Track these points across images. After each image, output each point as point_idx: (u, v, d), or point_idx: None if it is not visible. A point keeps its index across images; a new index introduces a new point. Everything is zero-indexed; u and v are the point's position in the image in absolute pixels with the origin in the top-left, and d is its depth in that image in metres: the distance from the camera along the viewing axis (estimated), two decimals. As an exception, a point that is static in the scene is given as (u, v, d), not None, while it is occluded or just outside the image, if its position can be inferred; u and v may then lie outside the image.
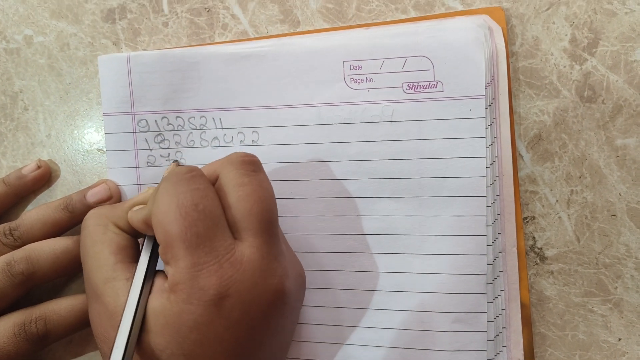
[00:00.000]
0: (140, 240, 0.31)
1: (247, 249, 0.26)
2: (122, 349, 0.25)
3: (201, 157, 0.35)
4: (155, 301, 0.26)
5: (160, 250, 0.26)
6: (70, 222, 0.35)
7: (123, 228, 0.30)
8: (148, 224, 0.28)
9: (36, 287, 0.34)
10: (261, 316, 0.27)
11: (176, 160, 0.35)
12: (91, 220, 0.31)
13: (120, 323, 0.26)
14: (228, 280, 0.25)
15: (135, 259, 0.29)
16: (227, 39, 0.36)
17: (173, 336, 0.26)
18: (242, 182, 0.27)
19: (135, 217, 0.29)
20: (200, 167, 0.29)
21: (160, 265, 0.28)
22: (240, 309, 0.26)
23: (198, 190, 0.26)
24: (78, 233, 0.35)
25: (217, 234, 0.26)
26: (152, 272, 0.28)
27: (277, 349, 0.30)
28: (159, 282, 0.27)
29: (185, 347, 0.26)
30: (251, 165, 0.29)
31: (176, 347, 0.26)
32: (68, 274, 0.35)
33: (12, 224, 0.35)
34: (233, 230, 0.27)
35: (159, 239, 0.26)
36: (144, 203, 0.31)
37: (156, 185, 0.32)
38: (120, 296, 0.27)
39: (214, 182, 0.29)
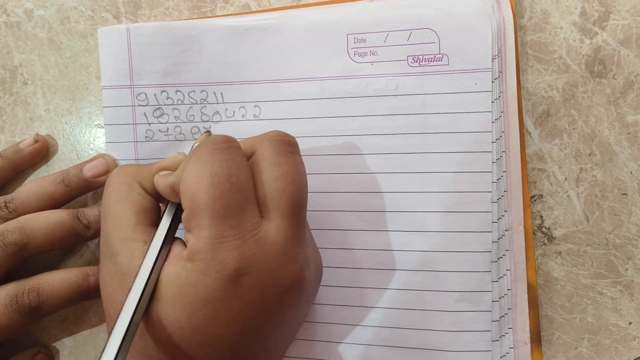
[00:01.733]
0: (162, 204, 0.30)
1: (272, 229, 0.25)
2: (130, 314, 0.24)
3: (202, 132, 0.34)
4: (171, 268, 0.25)
5: (184, 216, 0.25)
6: (66, 195, 0.34)
7: (147, 190, 0.29)
8: (175, 189, 0.27)
9: (29, 259, 0.33)
10: (276, 301, 0.26)
11: (208, 131, 0.34)
12: (117, 177, 0.29)
13: (131, 286, 0.25)
14: (249, 258, 0.24)
15: (155, 223, 0.28)
16: (229, 12, 0.35)
17: (184, 307, 0.25)
18: (278, 161, 0.26)
19: (162, 181, 0.28)
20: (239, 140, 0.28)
21: (179, 234, 0.28)
22: (257, 290, 0.25)
23: (234, 162, 0.25)
24: (73, 207, 0.35)
25: (246, 209, 0.25)
26: (170, 239, 0.27)
27: (282, 341, 0.29)
28: (176, 249, 0.26)
29: (195, 321, 0.25)
30: (289, 146, 0.28)
31: (185, 319, 0.25)
32: (61, 247, 0.34)
33: (8, 196, 0.34)
34: (261, 209, 0.26)
35: (185, 205, 0.25)
36: (171, 168, 0.30)
37: (182, 152, 0.32)
38: (136, 258, 0.26)
39: (248, 158, 0.28)
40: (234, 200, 0.25)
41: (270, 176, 0.26)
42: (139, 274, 0.25)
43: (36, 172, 0.37)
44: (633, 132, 0.31)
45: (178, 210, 0.28)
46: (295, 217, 0.26)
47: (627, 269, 0.32)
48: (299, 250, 0.26)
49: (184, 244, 0.27)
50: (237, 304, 0.25)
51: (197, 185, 0.25)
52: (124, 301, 0.24)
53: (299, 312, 0.28)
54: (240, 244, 0.24)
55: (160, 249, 0.26)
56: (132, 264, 0.26)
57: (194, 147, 0.31)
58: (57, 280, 0.33)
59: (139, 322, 0.25)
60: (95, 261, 0.36)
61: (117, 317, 0.24)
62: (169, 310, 0.25)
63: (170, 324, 0.25)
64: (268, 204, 0.26)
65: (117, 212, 0.28)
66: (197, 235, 0.25)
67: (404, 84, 0.32)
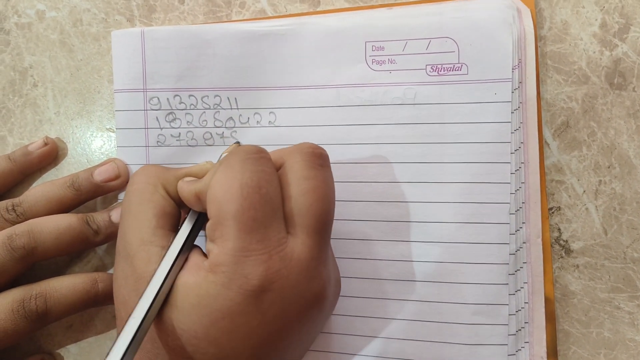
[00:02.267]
0: (183, 211, 0.29)
1: (298, 245, 0.25)
2: (140, 319, 0.23)
3: (214, 138, 0.34)
4: (189, 277, 0.25)
5: (208, 225, 0.25)
6: (75, 200, 0.34)
7: (171, 194, 0.29)
8: (200, 198, 0.26)
9: (37, 264, 0.33)
10: (297, 318, 0.25)
11: (238, 142, 0.33)
12: (141, 177, 0.29)
13: (144, 290, 0.24)
14: (274, 274, 0.24)
15: (175, 229, 0.28)
16: (245, 17, 0.35)
17: (201, 318, 0.24)
18: (308, 175, 0.26)
19: (187, 188, 0.28)
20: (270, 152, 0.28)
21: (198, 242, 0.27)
22: (278, 307, 0.24)
23: (264, 173, 0.25)
24: (82, 212, 0.34)
25: (273, 223, 0.24)
26: (189, 247, 0.26)
27: (297, 355, 0.28)
28: (195, 258, 0.26)
29: (212, 333, 0.24)
30: (320, 159, 0.27)
31: (201, 330, 0.24)
32: (70, 252, 0.33)
33: (16, 200, 0.33)
34: (288, 224, 0.25)
35: (210, 214, 0.25)
36: (197, 176, 0.29)
37: (210, 161, 0.31)
38: (152, 262, 0.25)
39: (277, 169, 0.27)
40: (263, 213, 0.24)
41: (299, 190, 0.25)
42: (153, 278, 0.24)
43: (45, 176, 0.37)
44: (653, 146, 0.31)
45: (199, 219, 0.27)
46: (320, 234, 0.25)
47: (645, 284, 0.31)
48: (322, 268, 0.26)
49: (203, 253, 0.26)
50: (257, 319, 0.24)
51: (225, 195, 0.24)
52: (135, 305, 0.24)
53: (317, 327, 0.28)
54: (266, 259, 0.24)
55: (178, 255, 0.25)
56: (148, 267, 0.25)
57: (222, 156, 0.30)
58: (64, 287, 0.32)
59: (149, 328, 0.24)
60: (102, 267, 0.36)
61: (127, 320, 0.23)
62: (185, 319, 0.24)
63: (185, 333, 0.24)
64: (295, 219, 0.25)
65: (138, 213, 0.27)
66: (221, 246, 0.24)
67: (422, 93, 0.32)
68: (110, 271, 0.36)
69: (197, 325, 0.24)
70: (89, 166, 0.35)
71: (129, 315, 0.24)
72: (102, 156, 0.36)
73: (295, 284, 0.24)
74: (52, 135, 0.37)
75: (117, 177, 0.34)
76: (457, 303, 0.31)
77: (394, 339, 0.32)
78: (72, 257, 0.36)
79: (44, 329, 0.36)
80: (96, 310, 0.36)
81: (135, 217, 0.27)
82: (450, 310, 0.31)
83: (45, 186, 0.34)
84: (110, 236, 0.34)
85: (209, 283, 0.24)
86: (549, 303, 0.31)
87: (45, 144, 0.36)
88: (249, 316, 0.24)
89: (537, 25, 0.32)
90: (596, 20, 0.32)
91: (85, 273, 0.34)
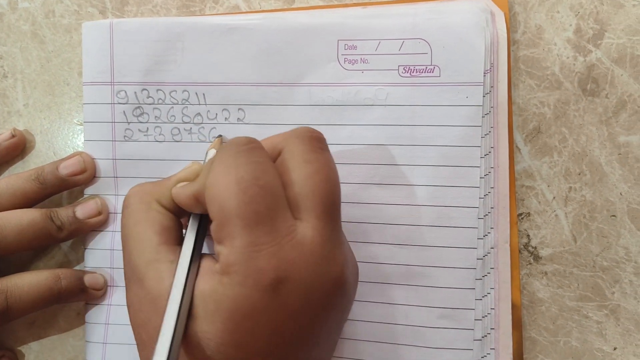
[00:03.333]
0: (183, 220, 0.29)
1: (309, 230, 0.24)
2: (170, 337, 0.22)
3: (182, 133, 0.33)
4: (204, 284, 0.24)
5: (213, 227, 0.24)
6: (40, 193, 0.33)
7: (166, 206, 0.28)
8: (198, 199, 0.26)
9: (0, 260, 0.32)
10: (321, 307, 0.24)
11: (221, 136, 0.32)
12: (133, 198, 0.28)
13: (166, 308, 0.23)
14: (288, 264, 0.23)
15: (179, 241, 0.27)
16: (218, 12, 0.34)
17: (224, 323, 0.23)
18: (309, 158, 0.25)
19: (183, 192, 0.27)
20: (263, 139, 0.27)
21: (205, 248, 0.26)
22: (300, 297, 0.23)
23: (259, 164, 0.24)
24: (48, 206, 0.34)
25: (278, 212, 0.23)
26: (198, 254, 0.25)
27: (328, 346, 0.27)
28: (207, 263, 0.25)
29: (237, 336, 0.23)
30: (319, 142, 0.26)
31: (227, 335, 0.23)
32: (33, 248, 0.33)
33: (-21, 192, 0.33)
34: (293, 210, 0.24)
35: (212, 216, 0.24)
36: (188, 179, 0.28)
37: (193, 160, 0.30)
38: (165, 279, 0.24)
39: (274, 157, 0.26)
40: (265, 205, 0.23)
41: (302, 174, 0.24)
42: (171, 294, 0.23)
43: (11, 168, 0.36)
44: (624, 153, 0.31)
45: (202, 222, 0.27)
46: (330, 215, 0.24)
47: (613, 293, 0.31)
48: (337, 251, 0.25)
49: (213, 257, 0.25)
50: (280, 314, 0.23)
51: (224, 193, 0.23)
52: (161, 324, 0.23)
53: (342, 315, 0.26)
54: (277, 250, 0.23)
55: (190, 265, 0.24)
56: (162, 285, 0.24)
57: (208, 152, 0.29)
58: (26, 283, 0.31)
59: (180, 344, 0.23)
60: (66, 263, 0.35)
61: (157, 342, 0.22)
62: (208, 327, 0.23)
63: (210, 342, 0.23)
64: (301, 204, 0.24)
65: (138, 234, 0.26)
66: (229, 245, 0.23)
67: (394, 94, 0.31)
68: (76, 267, 0.35)
69: (221, 331, 0.23)
70: (56, 159, 0.35)
71: (157, 336, 0.23)
72: (70, 150, 0.36)
73: (312, 270, 0.23)
74: (20, 127, 0.36)
75: (82, 171, 0.33)
76: (424, 306, 0.31)
77: (360, 341, 0.31)
78: (35, 252, 0.35)
79: (5, 325, 0.35)
80: (59, 307, 0.35)
81: (135, 239, 0.26)
82: (417, 313, 0.31)
83: (10, 179, 0.33)
84: (74, 232, 0.33)
85: (224, 286, 0.23)
86: (515, 310, 0.31)
87: (13, 136, 0.35)
88: (271, 312, 0.23)
89: (511, 29, 0.32)
90: (571, 25, 0.31)
91: (48, 269, 0.33)
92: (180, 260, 0.25)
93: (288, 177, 0.25)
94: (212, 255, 0.25)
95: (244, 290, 0.22)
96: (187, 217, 0.28)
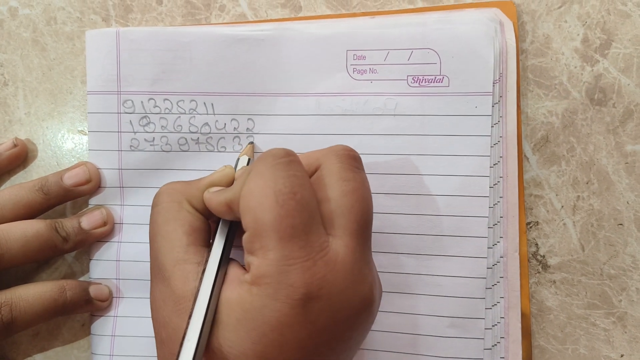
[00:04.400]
0: (211, 222, 0.29)
1: (341, 248, 0.24)
2: (195, 341, 0.22)
3: (189, 143, 0.33)
4: (232, 292, 0.24)
5: (245, 237, 0.24)
6: (44, 204, 0.33)
7: (197, 207, 0.28)
8: (231, 207, 0.26)
9: (4, 272, 0.31)
10: (346, 326, 0.24)
11: (252, 143, 0.32)
12: (165, 196, 0.28)
13: (190, 312, 0.23)
14: (320, 280, 0.23)
15: (207, 243, 0.27)
16: (224, 21, 0.34)
17: (249, 333, 0.23)
18: (347, 176, 0.25)
19: (216, 198, 0.27)
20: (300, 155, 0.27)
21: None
22: (327, 314, 0.23)
23: (296, 178, 0.24)
24: (51, 216, 0.33)
25: (313, 228, 0.23)
26: (226, 260, 0.25)
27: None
28: (235, 271, 0.25)
29: (260, 348, 0.23)
30: (356, 161, 0.26)
31: (250, 345, 0.23)
32: (38, 260, 0.32)
33: (-19, 204, 0.32)
34: (327, 226, 0.24)
35: (246, 226, 0.24)
36: (221, 183, 0.28)
37: (229, 165, 0.30)
38: (191, 280, 0.25)
39: (311, 172, 0.26)
40: (301, 219, 0.23)
41: (339, 192, 0.25)
42: (198, 299, 0.23)
43: (13, 178, 0.35)
44: (631, 162, 0.31)
45: (231, 229, 0.27)
46: (362, 235, 0.25)
47: (620, 301, 0.31)
48: (367, 271, 0.25)
49: (241, 265, 0.25)
50: (306, 329, 0.23)
51: (260, 205, 0.23)
52: (187, 328, 0.23)
53: (365, 334, 0.26)
54: (310, 265, 0.23)
55: (217, 270, 0.24)
56: (187, 286, 0.24)
57: (240, 159, 0.29)
58: (30, 295, 0.31)
59: (204, 349, 0.23)
60: (71, 274, 0.35)
61: (182, 346, 0.23)
62: (231, 336, 0.23)
63: (233, 350, 0.23)
64: (335, 221, 0.24)
65: (168, 233, 0.26)
66: (262, 257, 0.23)
67: (403, 103, 0.31)
68: (80, 278, 0.35)
69: (244, 340, 0.23)
70: (59, 169, 0.34)
71: (182, 339, 0.23)
72: (73, 159, 0.35)
73: (343, 288, 0.23)
74: (22, 137, 0.35)
75: (87, 181, 0.33)
76: (433, 315, 0.31)
77: (369, 350, 0.31)
78: (39, 264, 0.35)
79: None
80: (63, 319, 0.35)
81: (165, 237, 0.26)
82: (426, 322, 0.31)
83: (13, 189, 0.33)
84: (79, 244, 0.32)
85: (253, 296, 0.23)
86: (525, 318, 0.31)
87: (15, 145, 0.34)
88: (298, 327, 0.23)
89: (519, 38, 0.32)
90: (578, 35, 0.32)
91: (53, 281, 0.33)
92: (208, 265, 0.25)
93: (324, 193, 0.25)
94: (239, 262, 0.26)
95: (274, 303, 0.22)
96: (214, 219, 0.28)
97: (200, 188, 0.28)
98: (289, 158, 0.25)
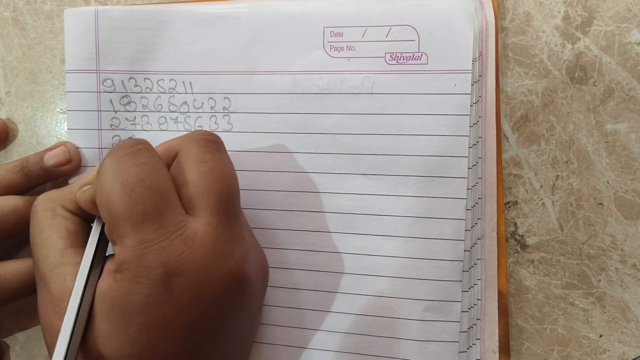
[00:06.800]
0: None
1: (201, 227, 0.25)
2: (67, 337, 0.23)
3: (168, 122, 0.33)
4: (102, 283, 0.25)
5: (106, 229, 0.25)
6: (25, 185, 0.33)
7: (73, 211, 0.28)
8: (95, 203, 0.26)
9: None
10: (215, 302, 0.25)
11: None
12: (39, 206, 0.28)
13: (66, 308, 0.24)
14: (178, 258, 0.24)
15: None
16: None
17: (119, 319, 0.24)
18: (203, 158, 0.26)
19: (83, 197, 0.27)
20: (161, 143, 0.28)
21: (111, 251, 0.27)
22: (191, 291, 0.24)
23: (145, 165, 0.25)
24: (33, 195, 0.33)
25: (167, 210, 0.24)
26: (102, 254, 0.26)
27: (234, 345, 0.28)
28: (108, 265, 0.26)
29: (131, 332, 0.24)
30: (214, 144, 0.27)
31: (122, 332, 0.24)
32: (14, 236, 0.32)
33: (-39, 184, 0.32)
34: (188, 208, 0.25)
35: (104, 218, 0.25)
36: (91, 182, 0.28)
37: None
38: (68, 282, 0.25)
39: (173, 158, 0.27)
40: (152, 204, 0.24)
41: (196, 174, 0.25)
42: (72, 295, 0.24)
43: (-6, 158, 0.36)
44: (611, 141, 0.31)
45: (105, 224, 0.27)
46: (224, 212, 0.25)
47: (599, 281, 0.31)
48: (233, 247, 0.25)
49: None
50: (171, 309, 0.24)
51: (110, 196, 0.24)
52: (61, 325, 0.24)
53: (244, 313, 0.27)
54: (167, 245, 0.24)
55: (91, 266, 0.25)
56: (64, 288, 0.25)
57: None
58: (9, 271, 0.31)
59: (79, 344, 0.24)
60: (53, 253, 0.35)
61: (56, 343, 0.23)
62: (105, 325, 0.24)
63: (108, 339, 0.24)
64: (195, 202, 0.25)
65: (43, 241, 0.27)
66: (120, 245, 0.24)
67: (380, 82, 0.31)
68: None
69: (116, 327, 0.24)
70: (39, 148, 0.34)
71: (57, 335, 0.23)
72: (54, 139, 0.35)
73: (204, 264, 0.24)
74: (3, 116, 0.35)
75: (68, 161, 0.33)
76: (410, 299, 0.31)
77: (345, 333, 0.31)
78: (20, 240, 0.35)
79: (-9, 315, 0.35)
80: (46, 297, 0.35)
81: (41, 245, 0.27)
82: (402, 305, 0.31)
83: (-7, 170, 0.33)
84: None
85: (117, 283, 0.24)
86: (502, 297, 0.31)
87: (-5, 125, 0.35)
88: (163, 306, 0.23)
89: (499, 16, 0.31)
90: (559, 12, 0.31)
91: (31, 257, 0.33)
92: (82, 261, 0.25)
93: (184, 177, 0.26)
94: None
95: (136, 287, 0.23)
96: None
97: (73, 191, 0.28)
98: (137, 147, 0.25)
